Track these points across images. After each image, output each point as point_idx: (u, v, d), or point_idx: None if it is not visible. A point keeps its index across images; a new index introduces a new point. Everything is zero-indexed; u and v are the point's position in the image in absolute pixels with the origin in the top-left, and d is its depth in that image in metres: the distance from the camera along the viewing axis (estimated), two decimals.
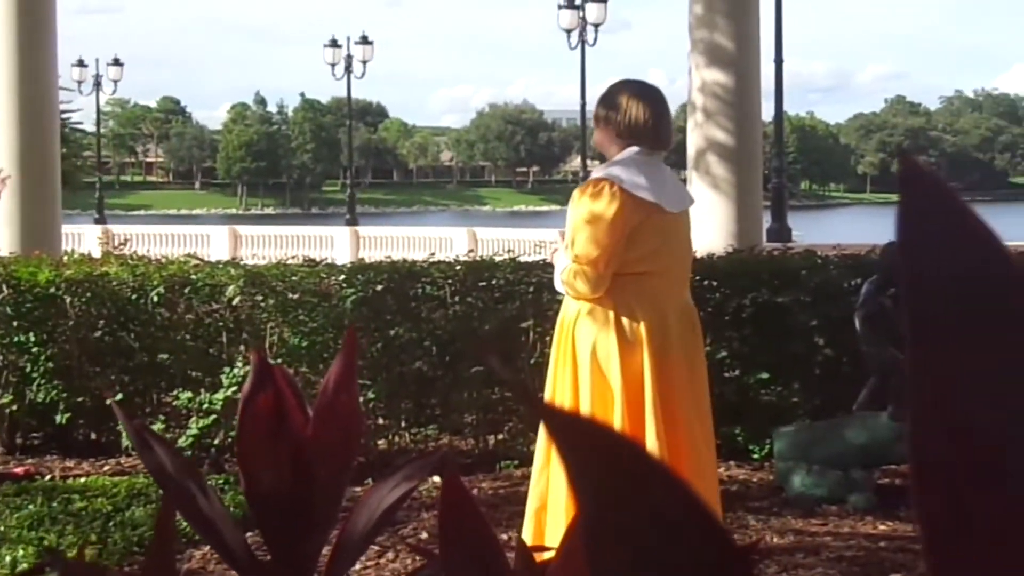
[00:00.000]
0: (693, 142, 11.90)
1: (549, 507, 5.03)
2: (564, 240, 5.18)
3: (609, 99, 5.20)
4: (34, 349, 8.34)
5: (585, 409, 4.85)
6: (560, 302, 5.31)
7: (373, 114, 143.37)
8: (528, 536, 4.92)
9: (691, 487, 0.55)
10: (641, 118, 5.08)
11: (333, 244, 29.45)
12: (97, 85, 52.83)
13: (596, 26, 38.04)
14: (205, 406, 7.99)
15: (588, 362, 4.99)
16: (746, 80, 11.83)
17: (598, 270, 4.92)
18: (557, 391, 5.12)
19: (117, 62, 52.06)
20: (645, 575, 0.53)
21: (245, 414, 1.50)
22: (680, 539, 0.54)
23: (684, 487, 0.54)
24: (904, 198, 0.52)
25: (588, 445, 0.54)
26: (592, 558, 0.54)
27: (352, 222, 37.44)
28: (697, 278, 6.47)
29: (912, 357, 0.53)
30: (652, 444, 4.81)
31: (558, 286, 5.20)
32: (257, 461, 1.51)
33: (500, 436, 8.12)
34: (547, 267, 7.04)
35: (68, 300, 8.37)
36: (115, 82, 53.08)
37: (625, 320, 4.96)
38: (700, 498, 0.54)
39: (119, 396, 8.11)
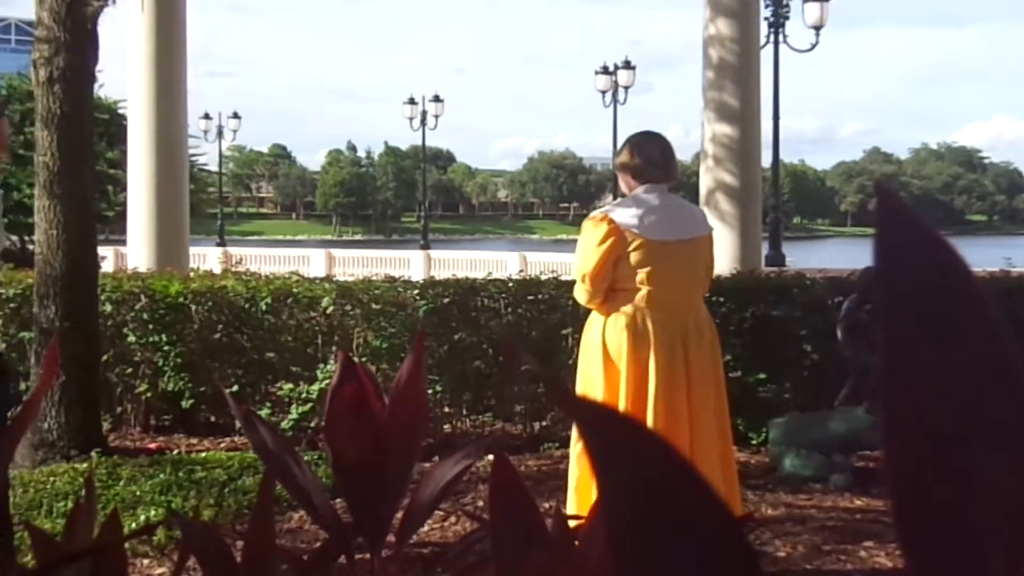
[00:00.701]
0: (705, 183, 11.83)
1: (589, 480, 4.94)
2: None
3: (623, 150, 5.16)
4: (165, 347, 8.39)
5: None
6: None
7: (443, 159, 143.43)
8: (572, 506, 4.86)
9: (691, 463, 0.53)
10: (647, 160, 5.03)
11: (409, 264, 29.48)
12: (219, 134, 53.01)
13: (626, 88, 37.97)
14: (303, 395, 8.01)
15: (584, 359, 5.02)
16: (749, 133, 11.77)
17: (587, 285, 4.92)
18: (579, 383, 5.08)
19: (236, 115, 52.37)
20: (656, 539, 0.52)
21: (333, 402, 1.50)
22: (685, 510, 0.52)
23: (686, 464, 0.53)
24: (881, 223, 0.51)
25: (602, 429, 0.53)
26: (612, 525, 0.53)
27: (425, 247, 37.42)
28: (707, 295, 6.39)
29: (886, 363, 0.51)
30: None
31: None
32: (342, 441, 1.51)
33: (544, 423, 8.10)
34: None
35: (193, 308, 8.42)
36: (234, 132, 53.31)
37: (611, 327, 4.91)
38: (700, 473, 0.53)
39: (234, 387, 8.16)
